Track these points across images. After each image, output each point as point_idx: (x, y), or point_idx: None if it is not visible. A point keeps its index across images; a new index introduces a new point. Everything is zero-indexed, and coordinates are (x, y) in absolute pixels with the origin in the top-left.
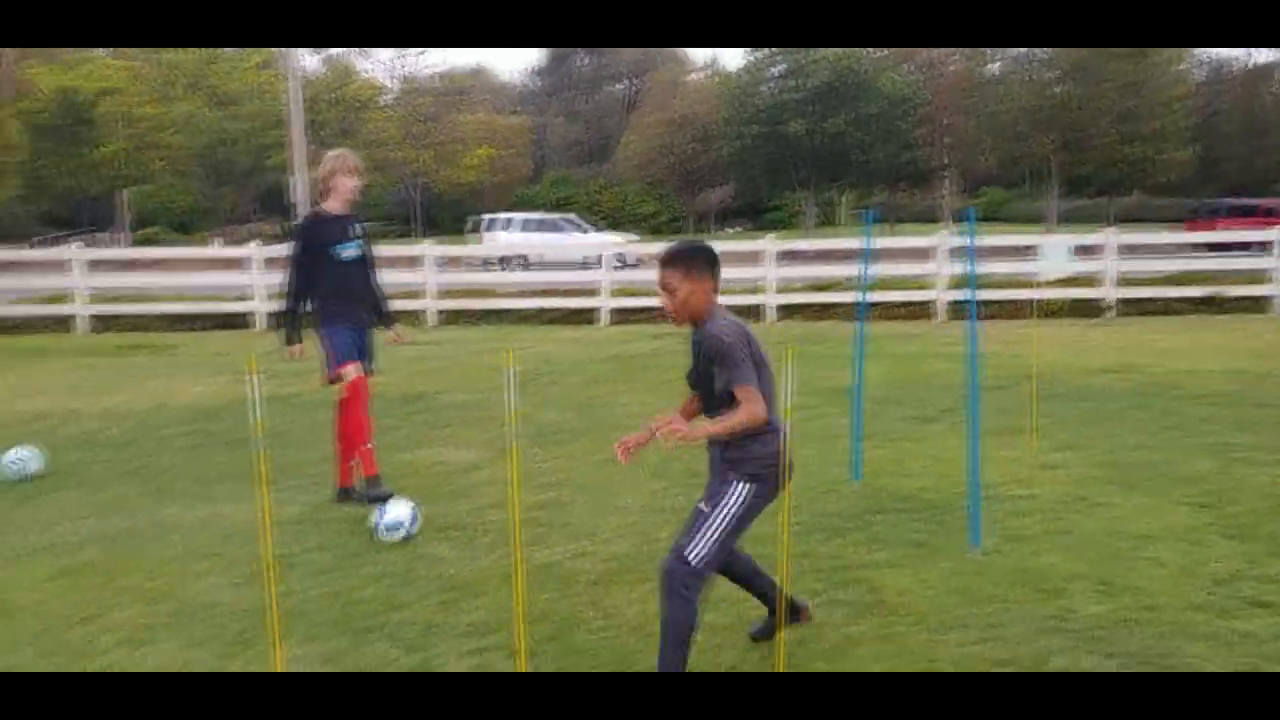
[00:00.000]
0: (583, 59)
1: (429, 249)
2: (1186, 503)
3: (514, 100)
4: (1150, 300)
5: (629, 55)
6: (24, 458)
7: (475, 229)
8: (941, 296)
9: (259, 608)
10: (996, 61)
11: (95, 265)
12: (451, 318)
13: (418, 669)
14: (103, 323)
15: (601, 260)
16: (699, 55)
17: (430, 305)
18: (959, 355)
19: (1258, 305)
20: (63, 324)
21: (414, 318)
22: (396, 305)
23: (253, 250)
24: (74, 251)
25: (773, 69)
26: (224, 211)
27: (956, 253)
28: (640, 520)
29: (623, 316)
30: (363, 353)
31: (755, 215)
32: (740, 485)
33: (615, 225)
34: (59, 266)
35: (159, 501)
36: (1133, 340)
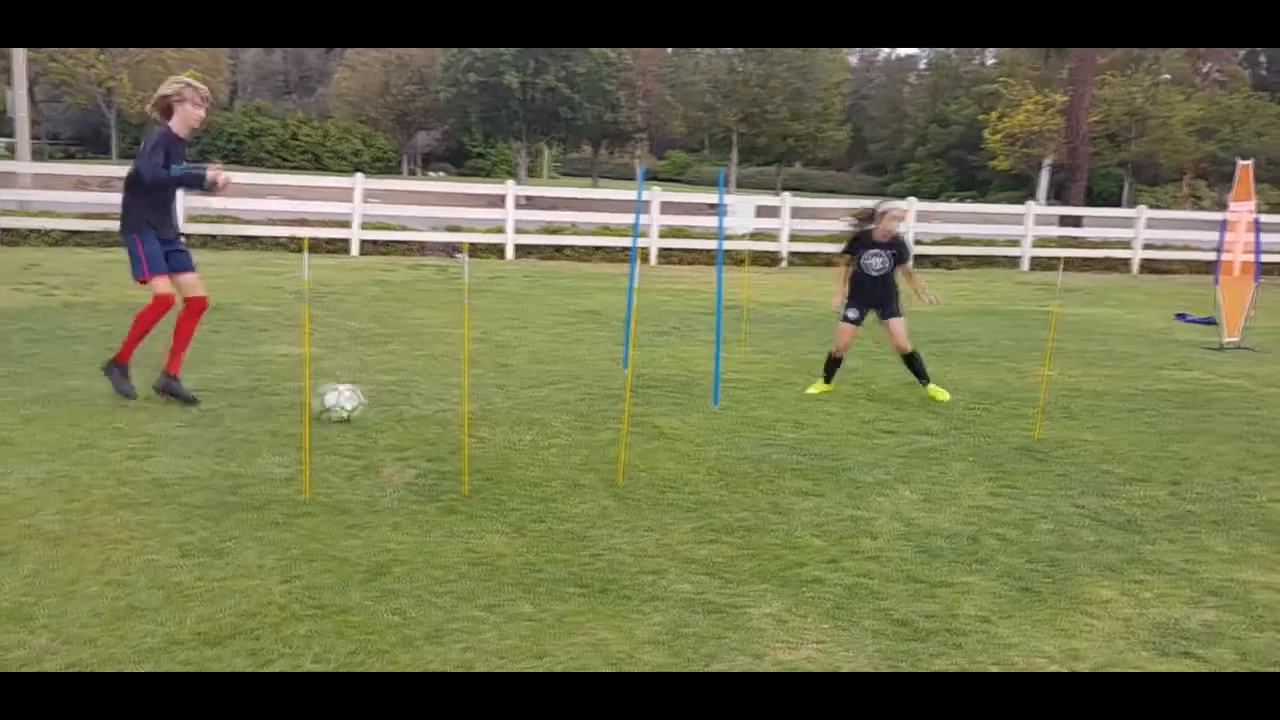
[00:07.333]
0: None
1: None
2: (845, 382)
3: None
4: (814, 254)
5: None
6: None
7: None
8: (655, 244)
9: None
10: None
11: None
12: (201, 242)
13: (361, 472)
14: None
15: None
16: None
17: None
18: (671, 290)
19: None
20: None
21: None
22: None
23: None
24: None
25: None
26: None
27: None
28: (475, 391)
29: (372, 248)
30: (169, 262)
31: (459, 160)
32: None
33: (315, 161)
34: None
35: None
36: (803, 284)
